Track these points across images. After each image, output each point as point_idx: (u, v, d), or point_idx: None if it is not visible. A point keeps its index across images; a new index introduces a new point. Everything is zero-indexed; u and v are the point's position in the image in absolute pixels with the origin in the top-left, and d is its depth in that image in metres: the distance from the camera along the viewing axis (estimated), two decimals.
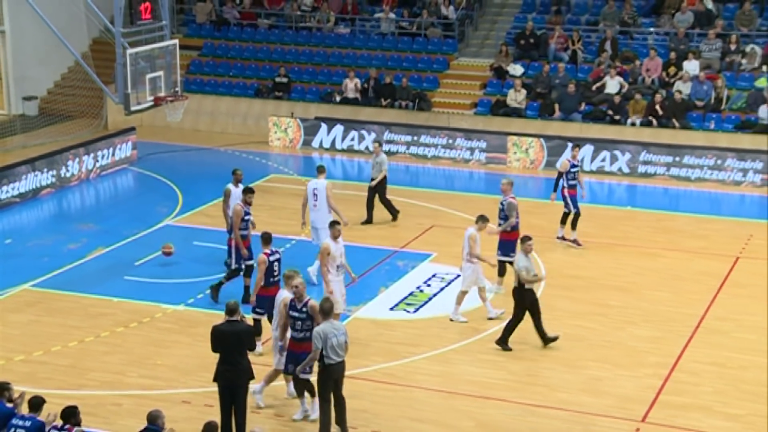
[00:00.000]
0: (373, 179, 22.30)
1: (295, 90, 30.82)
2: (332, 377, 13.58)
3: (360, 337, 16.42)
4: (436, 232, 22.09)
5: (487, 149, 27.68)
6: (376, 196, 22.37)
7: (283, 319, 14.12)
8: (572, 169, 20.94)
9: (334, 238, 16.50)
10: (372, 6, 33.19)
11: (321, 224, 19.28)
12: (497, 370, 15.94)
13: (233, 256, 18.14)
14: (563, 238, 21.09)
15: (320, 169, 19.94)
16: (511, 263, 18.50)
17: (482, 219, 17.78)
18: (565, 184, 20.89)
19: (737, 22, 29.36)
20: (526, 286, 16.35)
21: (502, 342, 16.60)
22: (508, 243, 18.72)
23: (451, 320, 17.63)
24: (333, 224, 16.85)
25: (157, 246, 20.59)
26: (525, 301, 16.41)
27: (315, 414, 14.09)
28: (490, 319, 17.54)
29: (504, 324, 16.75)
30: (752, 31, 29.11)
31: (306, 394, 14.24)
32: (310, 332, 13.68)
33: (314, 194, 19.48)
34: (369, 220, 22.27)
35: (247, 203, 18.27)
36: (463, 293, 17.71)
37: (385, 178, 22.24)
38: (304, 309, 13.78)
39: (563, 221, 21.09)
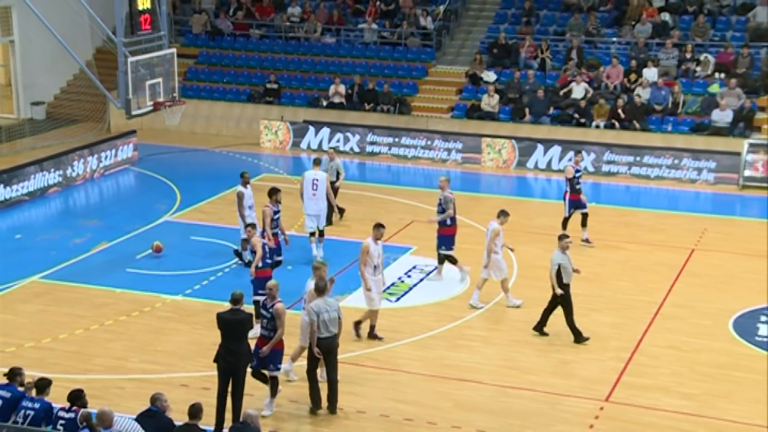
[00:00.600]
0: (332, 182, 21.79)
1: (285, 95, 30.75)
2: (321, 351, 13.55)
3: (347, 325, 16.38)
4: (416, 227, 22.08)
5: (462, 150, 27.72)
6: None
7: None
8: (576, 174, 20.82)
9: (376, 239, 16.02)
10: (356, 17, 33.13)
11: (321, 212, 19.68)
12: (473, 354, 15.96)
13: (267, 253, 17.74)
14: (587, 240, 20.80)
15: (317, 162, 20.10)
16: (450, 257, 18.42)
17: (503, 214, 17.44)
18: (567, 189, 20.76)
19: (692, 33, 29.47)
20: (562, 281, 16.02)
21: (576, 337, 16.20)
22: (447, 237, 18.51)
23: (510, 306, 17.42)
24: (378, 226, 16.15)
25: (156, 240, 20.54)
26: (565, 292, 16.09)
27: (267, 411, 13.74)
28: (471, 307, 17.55)
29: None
30: (705, 41, 29.23)
31: (268, 390, 13.85)
32: (274, 332, 13.55)
33: (314, 184, 19.57)
34: (340, 212, 22.22)
35: (278, 202, 18.19)
36: (505, 281, 17.47)
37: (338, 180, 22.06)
38: (270, 310, 13.66)
39: (583, 223, 20.77)
